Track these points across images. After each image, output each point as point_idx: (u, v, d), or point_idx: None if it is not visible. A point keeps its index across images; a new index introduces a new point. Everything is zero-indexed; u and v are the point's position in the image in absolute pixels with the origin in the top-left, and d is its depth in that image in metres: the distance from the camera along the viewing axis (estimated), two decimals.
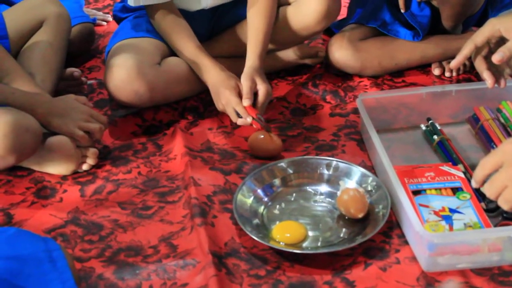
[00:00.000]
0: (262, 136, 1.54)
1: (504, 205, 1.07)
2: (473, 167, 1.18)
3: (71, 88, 1.77)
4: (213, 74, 1.63)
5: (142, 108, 1.72)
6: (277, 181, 1.43)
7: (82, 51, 1.97)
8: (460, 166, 1.41)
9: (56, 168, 1.51)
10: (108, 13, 2.23)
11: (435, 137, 1.51)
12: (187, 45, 1.67)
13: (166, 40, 1.71)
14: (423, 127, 1.57)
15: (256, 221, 1.34)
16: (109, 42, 1.76)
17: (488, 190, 1.08)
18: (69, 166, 1.51)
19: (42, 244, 1.09)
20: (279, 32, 1.76)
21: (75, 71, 1.80)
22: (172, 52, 1.72)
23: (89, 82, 1.86)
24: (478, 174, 1.10)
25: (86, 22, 1.96)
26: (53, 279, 1.05)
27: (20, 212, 1.42)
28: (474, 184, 1.12)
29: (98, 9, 2.28)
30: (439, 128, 1.54)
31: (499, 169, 1.07)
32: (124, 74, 1.60)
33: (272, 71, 1.85)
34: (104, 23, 2.19)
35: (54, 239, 1.33)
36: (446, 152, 1.47)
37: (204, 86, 1.70)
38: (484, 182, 1.10)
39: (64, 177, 1.51)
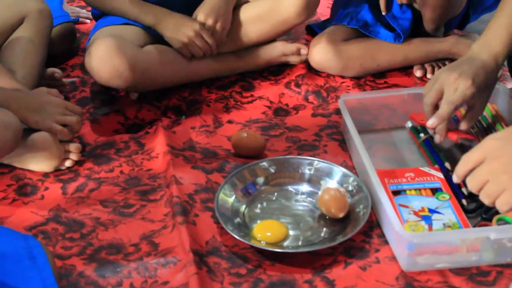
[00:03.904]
0: (245, 135, 1.55)
1: (485, 199, 1.08)
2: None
3: (52, 88, 1.76)
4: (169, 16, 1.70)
5: (124, 106, 1.72)
6: (258, 180, 1.43)
7: (64, 51, 1.96)
8: (447, 165, 1.41)
9: (39, 165, 1.51)
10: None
11: (422, 135, 1.52)
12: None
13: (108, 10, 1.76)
14: (410, 123, 1.57)
15: (237, 220, 1.34)
16: (89, 35, 1.76)
17: (470, 184, 1.09)
18: (52, 163, 1.50)
19: (23, 241, 1.09)
20: (257, 24, 1.78)
21: (56, 72, 1.79)
22: (155, 41, 1.74)
23: (71, 80, 1.86)
24: (460, 169, 1.11)
25: (66, 22, 1.96)
26: (34, 276, 1.05)
27: (1, 209, 1.42)
28: (455, 178, 1.13)
29: (82, 7, 2.28)
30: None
31: (481, 164, 1.08)
32: (104, 51, 1.60)
33: (255, 69, 1.86)
34: (88, 21, 2.18)
35: (35, 236, 1.33)
36: (432, 150, 1.47)
37: (189, 71, 1.73)
38: (465, 177, 1.11)
39: (45, 175, 1.51)
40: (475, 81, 1.33)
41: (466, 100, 1.35)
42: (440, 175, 1.39)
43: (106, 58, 1.60)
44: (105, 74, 1.61)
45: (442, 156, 1.45)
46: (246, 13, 1.80)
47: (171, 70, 1.73)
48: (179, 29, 1.71)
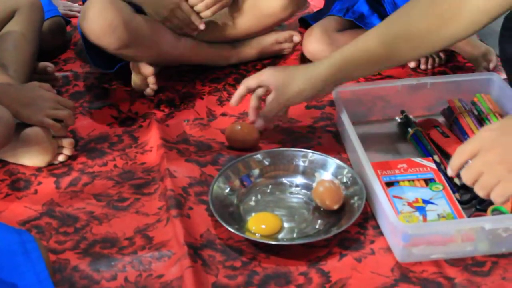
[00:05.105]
0: (239, 128, 1.55)
1: (479, 191, 1.07)
2: (448, 159, 1.19)
3: (44, 82, 1.75)
4: None
5: (117, 99, 1.71)
6: (253, 173, 1.43)
7: (55, 46, 1.95)
8: (435, 158, 1.42)
9: (32, 160, 1.50)
10: None
11: (410, 129, 1.52)
12: None
13: None
14: (398, 119, 1.58)
15: (232, 212, 1.34)
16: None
17: (465, 176, 1.09)
18: (45, 158, 1.50)
19: (16, 235, 1.08)
20: (245, 16, 1.78)
21: (48, 66, 1.78)
22: None
23: (64, 74, 1.85)
24: (455, 161, 1.10)
25: (55, 16, 1.94)
26: (27, 270, 1.04)
27: None
28: (450, 171, 1.12)
29: (74, 1, 2.27)
30: (413, 120, 1.55)
31: (476, 156, 1.08)
32: (98, 6, 1.58)
33: (249, 59, 1.86)
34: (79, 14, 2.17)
35: (29, 231, 1.32)
36: (421, 144, 1.48)
37: (179, 47, 1.74)
38: (460, 169, 1.10)
39: (39, 169, 1.50)
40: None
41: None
42: (433, 165, 1.39)
43: (101, 10, 1.58)
44: (99, 27, 1.59)
45: (431, 149, 1.45)
46: (234, 5, 1.79)
47: (163, 41, 1.72)
48: (158, 2, 1.68)
